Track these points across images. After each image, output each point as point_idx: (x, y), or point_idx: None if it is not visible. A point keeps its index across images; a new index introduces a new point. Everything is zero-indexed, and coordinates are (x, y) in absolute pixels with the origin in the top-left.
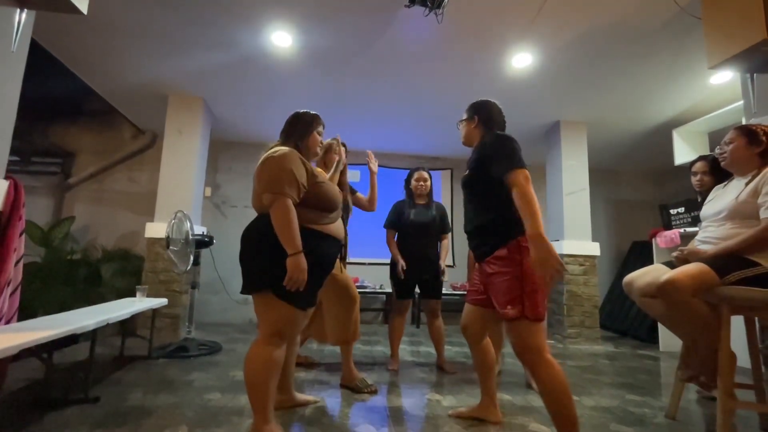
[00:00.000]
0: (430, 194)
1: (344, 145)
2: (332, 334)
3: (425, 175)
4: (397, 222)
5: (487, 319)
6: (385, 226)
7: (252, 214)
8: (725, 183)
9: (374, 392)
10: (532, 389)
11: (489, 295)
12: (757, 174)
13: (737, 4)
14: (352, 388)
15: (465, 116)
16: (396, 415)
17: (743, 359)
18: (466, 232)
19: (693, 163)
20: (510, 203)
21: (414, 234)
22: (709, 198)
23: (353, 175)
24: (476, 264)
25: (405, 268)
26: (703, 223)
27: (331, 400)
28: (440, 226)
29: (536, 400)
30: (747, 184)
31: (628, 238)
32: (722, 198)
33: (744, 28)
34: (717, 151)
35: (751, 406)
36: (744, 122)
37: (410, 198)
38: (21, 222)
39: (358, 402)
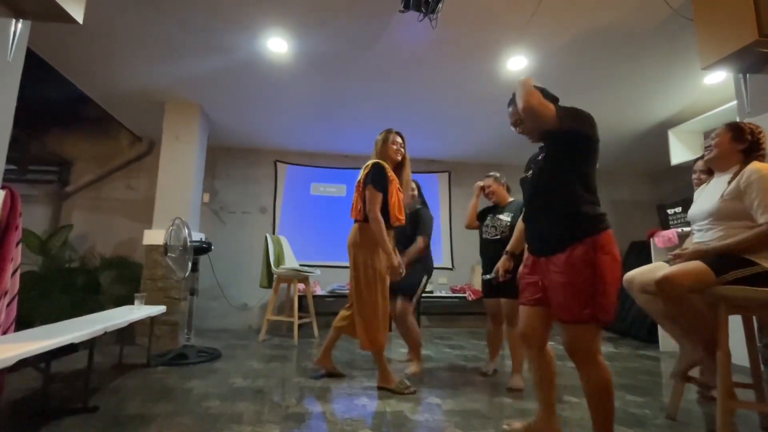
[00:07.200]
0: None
1: (401, 136)
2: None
3: (412, 184)
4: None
5: (550, 319)
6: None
7: (250, 220)
8: (707, 182)
9: (413, 393)
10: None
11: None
12: (739, 171)
13: (728, 6)
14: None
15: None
16: (396, 420)
17: (742, 358)
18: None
19: (695, 161)
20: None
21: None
22: (695, 198)
23: (339, 189)
24: (531, 258)
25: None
26: (694, 227)
27: (332, 405)
28: (412, 231)
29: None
30: (729, 182)
31: (626, 238)
32: (707, 199)
33: (735, 29)
34: (704, 145)
35: (751, 406)
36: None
37: None
38: (18, 232)
39: (359, 406)
